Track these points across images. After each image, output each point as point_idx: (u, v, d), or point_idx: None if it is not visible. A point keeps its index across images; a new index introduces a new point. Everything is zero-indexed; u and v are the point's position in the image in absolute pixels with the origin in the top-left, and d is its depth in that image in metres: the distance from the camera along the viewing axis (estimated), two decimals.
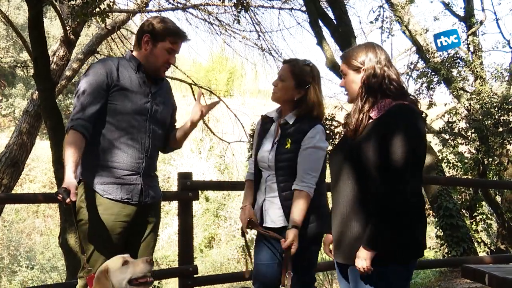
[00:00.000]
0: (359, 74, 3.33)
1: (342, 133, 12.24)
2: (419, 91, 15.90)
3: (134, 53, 3.95)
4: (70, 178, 3.39)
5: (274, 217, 4.01)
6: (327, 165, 3.88)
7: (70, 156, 3.46)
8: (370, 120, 3.23)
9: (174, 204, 19.65)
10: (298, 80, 4.03)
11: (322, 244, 3.86)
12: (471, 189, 13.53)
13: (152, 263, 3.42)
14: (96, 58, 15.01)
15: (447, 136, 14.10)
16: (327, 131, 4.30)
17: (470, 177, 13.18)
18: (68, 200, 3.30)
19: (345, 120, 3.48)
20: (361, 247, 3.08)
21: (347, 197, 3.24)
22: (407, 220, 3.09)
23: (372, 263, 3.08)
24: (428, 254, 14.92)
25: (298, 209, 3.85)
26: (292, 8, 15.67)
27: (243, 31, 15.97)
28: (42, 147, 25.12)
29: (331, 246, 3.63)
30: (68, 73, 13.12)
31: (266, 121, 4.29)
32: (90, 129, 3.64)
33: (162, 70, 3.98)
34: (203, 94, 4.18)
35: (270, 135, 4.17)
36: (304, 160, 3.91)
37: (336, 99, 16.42)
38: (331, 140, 11.33)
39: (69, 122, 3.64)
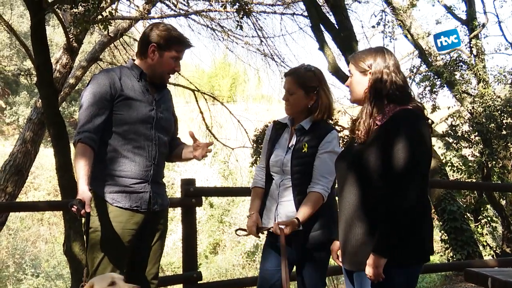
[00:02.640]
0: (365, 77, 3.33)
1: (346, 138, 12.28)
2: (422, 94, 15.88)
3: (137, 62, 3.95)
4: (84, 190, 3.41)
5: (284, 218, 4.00)
6: None
7: (82, 169, 3.48)
8: (376, 126, 3.24)
9: (178, 210, 19.65)
10: (305, 88, 4.05)
11: (331, 251, 3.84)
12: (475, 192, 13.51)
13: None
14: (99, 65, 15.10)
15: (450, 140, 14.08)
16: None
17: (474, 180, 13.17)
18: (83, 211, 3.33)
19: (352, 126, 3.48)
20: (371, 255, 3.08)
21: (351, 203, 3.24)
22: (413, 225, 3.09)
23: None
24: (433, 258, 14.88)
25: (307, 207, 3.86)
26: (294, 14, 15.71)
27: (245, 36, 16.03)
28: (46, 155, 25.14)
29: (339, 252, 3.64)
30: (71, 80, 13.16)
31: (278, 126, 4.29)
32: (97, 141, 3.66)
33: (167, 77, 4.00)
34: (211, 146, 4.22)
35: (283, 140, 4.18)
36: (321, 164, 3.93)
37: (339, 104, 16.43)
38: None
39: (76, 135, 3.65)
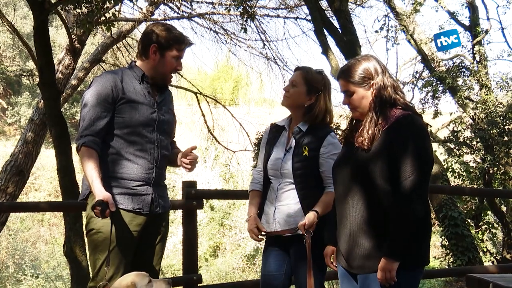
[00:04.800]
0: (368, 89, 3.32)
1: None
2: (424, 100, 15.91)
3: (138, 63, 3.93)
4: (103, 191, 3.43)
5: (283, 223, 4.00)
6: None
7: (93, 171, 3.49)
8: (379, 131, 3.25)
9: (179, 213, 19.63)
10: (309, 86, 4.06)
11: (324, 256, 3.82)
12: (476, 198, 13.51)
13: (171, 283, 3.40)
14: (102, 67, 15.09)
15: (452, 145, 14.09)
16: None
17: (475, 186, 13.16)
18: (107, 211, 3.35)
19: (349, 127, 3.50)
20: (384, 259, 3.11)
21: (356, 211, 3.25)
22: (420, 229, 3.14)
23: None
24: (434, 263, 14.89)
25: (323, 202, 3.87)
26: (297, 17, 15.74)
27: (248, 40, 16.06)
28: (47, 156, 25.15)
29: (332, 257, 3.64)
30: (73, 81, 13.17)
31: (275, 129, 4.29)
32: (100, 144, 3.65)
33: (170, 77, 3.99)
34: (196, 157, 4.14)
35: (280, 143, 4.17)
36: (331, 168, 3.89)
37: (341, 108, 16.42)
38: None
39: (79, 139, 3.63)
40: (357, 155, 3.31)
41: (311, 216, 3.82)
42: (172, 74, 4.02)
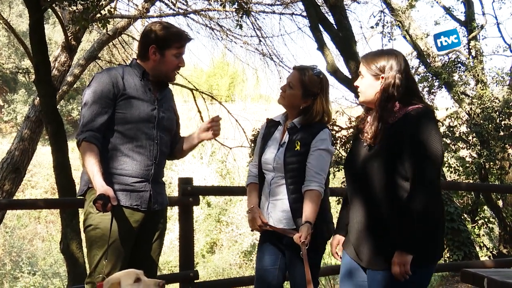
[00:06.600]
0: (377, 81, 3.36)
1: (344, 138, 12.26)
2: None
3: (140, 62, 3.93)
4: (103, 184, 3.42)
5: (276, 218, 4.01)
6: (332, 171, 3.88)
7: (94, 166, 3.48)
8: (386, 125, 3.27)
9: (176, 209, 19.62)
10: (306, 90, 4.03)
11: (330, 246, 3.84)
12: (472, 193, 13.52)
13: (164, 286, 3.34)
14: (98, 64, 15.08)
15: (448, 141, 14.08)
16: None
17: (471, 181, 13.18)
18: (109, 205, 3.35)
19: (358, 125, 3.55)
20: (397, 253, 3.13)
21: (367, 208, 3.30)
22: (436, 222, 3.19)
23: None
24: None
25: (311, 206, 3.83)
26: (293, 14, 15.74)
27: (244, 36, 16.04)
28: (43, 153, 25.16)
29: (338, 248, 3.66)
30: (69, 78, 13.15)
31: (270, 124, 4.29)
32: (101, 139, 3.65)
33: (173, 74, 3.98)
34: (220, 118, 4.15)
35: (275, 138, 4.17)
36: (315, 161, 3.91)
37: (337, 104, 16.43)
38: (333, 146, 11.30)
39: (79, 134, 3.63)
40: (366, 151, 3.36)
41: (305, 230, 3.78)
42: (177, 71, 4.01)
